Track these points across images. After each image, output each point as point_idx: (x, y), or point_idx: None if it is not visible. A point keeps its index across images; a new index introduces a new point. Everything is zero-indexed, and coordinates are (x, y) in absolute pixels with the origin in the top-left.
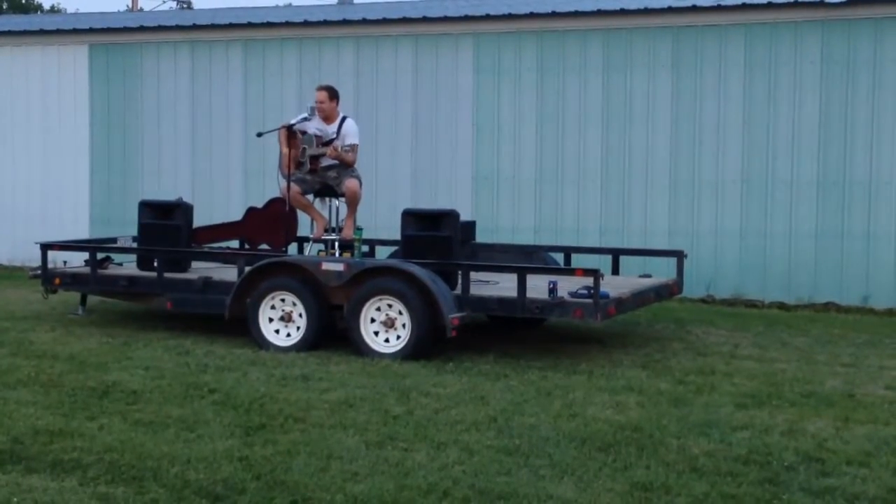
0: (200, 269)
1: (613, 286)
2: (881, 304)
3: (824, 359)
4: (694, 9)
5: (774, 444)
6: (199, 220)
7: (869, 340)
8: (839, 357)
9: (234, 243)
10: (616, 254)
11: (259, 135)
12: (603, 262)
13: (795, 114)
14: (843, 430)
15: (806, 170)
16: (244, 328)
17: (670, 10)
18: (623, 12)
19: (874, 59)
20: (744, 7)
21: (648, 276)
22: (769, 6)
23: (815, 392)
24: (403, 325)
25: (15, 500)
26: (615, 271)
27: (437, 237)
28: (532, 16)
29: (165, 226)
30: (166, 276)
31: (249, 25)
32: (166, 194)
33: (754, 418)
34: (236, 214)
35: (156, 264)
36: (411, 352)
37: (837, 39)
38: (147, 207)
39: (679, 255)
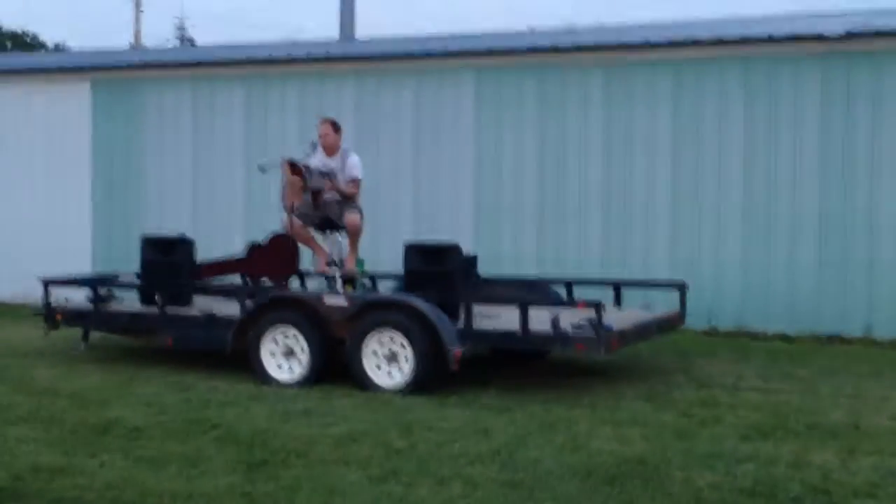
0: (202, 304)
1: (616, 318)
2: (884, 334)
3: (828, 390)
4: (694, 43)
5: (780, 476)
6: (201, 255)
7: (872, 371)
8: (843, 388)
9: (237, 278)
10: (618, 285)
11: (261, 168)
12: (605, 294)
13: (796, 145)
14: (848, 462)
15: (807, 200)
16: (246, 363)
17: (671, 45)
18: (623, 46)
19: (873, 92)
20: (743, 41)
21: (649, 307)
22: (769, 40)
23: (819, 423)
24: (406, 359)
25: None
26: (617, 302)
27: (439, 271)
28: (533, 51)
29: (167, 261)
30: (168, 313)
31: (251, 62)
32: (168, 230)
33: (759, 450)
34: (238, 249)
35: (158, 299)
36: (414, 385)
37: (837, 73)
38: (149, 243)
39: (681, 287)
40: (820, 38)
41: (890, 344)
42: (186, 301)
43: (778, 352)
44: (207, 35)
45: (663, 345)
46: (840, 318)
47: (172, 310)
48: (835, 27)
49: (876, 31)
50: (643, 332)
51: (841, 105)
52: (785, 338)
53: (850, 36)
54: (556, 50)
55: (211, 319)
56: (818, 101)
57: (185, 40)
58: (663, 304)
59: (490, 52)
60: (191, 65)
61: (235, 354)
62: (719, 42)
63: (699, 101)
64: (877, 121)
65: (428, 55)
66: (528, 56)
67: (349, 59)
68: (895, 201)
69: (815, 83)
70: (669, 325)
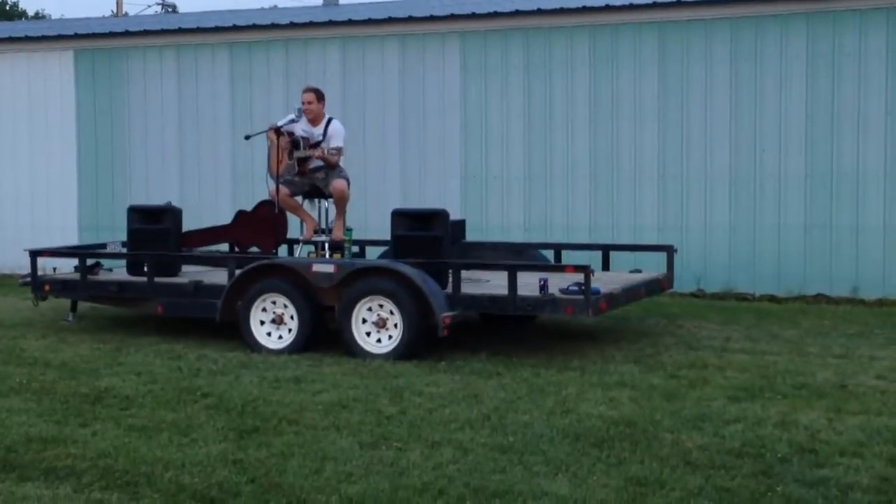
0: (191, 273)
1: (604, 282)
2: (870, 294)
3: (815, 350)
4: (679, 3)
5: (767, 437)
6: (187, 224)
7: (859, 331)
8: (830, 348)
9: (224, 247)
10: (606, 250)
11: (247, 137)
12: (593, 259)
13: (783, 106)
14: (835, 421)
15: (793, 162)
16: (235, 331)
17: (655, 6)
18: (608, 8)
19: (859, 51)
20: (729, 1)
21: (639, 271)
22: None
23: (807, 384)
24: (395, 325)
25: None
26: (605, 267)
27: (427, 237)
28: (518, 13)
29: (154, 230)
30: (156, 281)
31: (235, 28)
32: (155, 199)
33: (747, 411)
34: (225, 217)
35: (146, 269)
36: (403, 352)
37: (822, 32)
38: (136, 213)
39: (669, 250)
40: None
41: (877, 303)
42: (174, 270)
43: (766, 313)
44: (190, 3)
45: (651, 308)
46: (828, 279)
47: (161, 279)
48: None
49: None
50: (631, 294)
51: (826, 65)
52: (773, 299)
53: None
54: (540, 12)
55: (199, 288)
56: (804, 61)
57: (167, 7)
58: (651, 267)
59: (474, 16)
60: (174, 32)
61: (225, 323)
62: (705, 2)
63: (685, 62)
64: (863, 80)
65: (412, 19)
66: (513, 19)
67: (333, 24)
68: (881, 161)
69: (801, 43)
70: (658, 287)
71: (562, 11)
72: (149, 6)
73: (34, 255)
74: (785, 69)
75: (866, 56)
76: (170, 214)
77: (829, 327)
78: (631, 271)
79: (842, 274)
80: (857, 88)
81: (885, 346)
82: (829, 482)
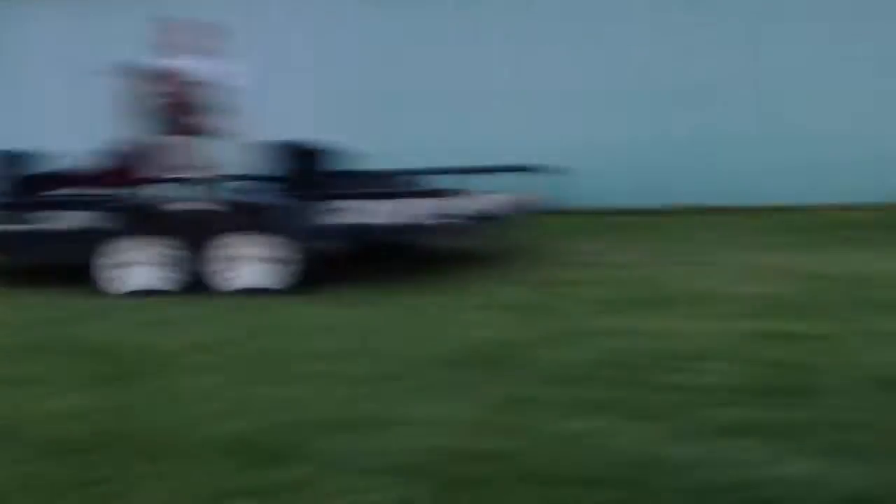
0: (52, 217)
1: (473, 205)
2: (734, 201)
3: (679, 259)
4: None
5: (635, 347)
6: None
7: (721, 238)
8: (693, 256)
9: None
10: (471, 172)
11: (100, 74)
12: (461, 183)
13: (633, 20)
14: (700, 328)
15: (651, 76)
16: (97, 275)
17: None
18: None
19: None
20: None
21: (509, 192)
22: None
23: (673, 293)
24: (270, 261)
25: None
26: (472, 189)
27: (296, 169)
28: None
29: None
30: (10, 229)
31: None
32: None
33: (615, 323)
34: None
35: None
36: (279, 287)
37: None
38: None
39: (535, 170)
40: None
41: (741, 210)
42: (33, 215)
43: (635, 226)
44: None
45: (523, 228)
46: (693, 188)
47: (16, 225)
48: None
49: None
50: (503, 216)
51: None
52: (642, 211)
53: None
54: None
55: (60, 233)
56: None
57: None
58: (519, 188)
59: None
60: None
61: (88, 267)
62: None
63: None
64: None
65: None
66: None
67: None
68: (738, 71)
69: None
70: (528, 208)
71: None
72: None
73: None
74: None
75: None
76: (19, 158)
77: (693, 236)
78: (502, 193)
79: (708, 183)
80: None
81: (754, 251)
82: (686, 386)
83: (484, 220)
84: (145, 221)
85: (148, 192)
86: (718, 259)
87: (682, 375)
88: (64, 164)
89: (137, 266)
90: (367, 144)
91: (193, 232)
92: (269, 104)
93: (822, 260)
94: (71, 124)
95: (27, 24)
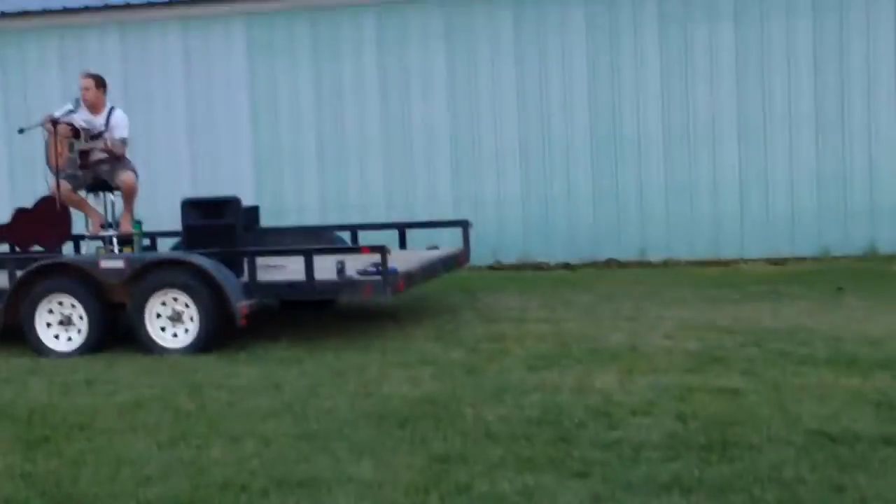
0: None
1: (401, 261)
2: (657, 256)
3: (608, 314)
4: None
5: (565, 403)
6: None
7: (647, 293)
8: (621, 311)
9: (3, 248)
10: (402, 228)
11: (21, 131)
12: (390, 238)
13: (565, 74)
14: (627, 383)
15: (578, 129)
16: (21, 336)
17: None
18: None
19: (634, 22)
20: None
21: (436, 247)
22: None
23: (600, 348)
24: (191, 318)
25: None
26: (402, 245)
27: (219, 225)
28: None
29: None
30: None
31: (3, 16)
32: None
33: (545, 379)
34: (2, 216)
35: None
36: (202, 345)
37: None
38: None
39: (464, 225)
40: None
41: (662, 263)
42: None
43: (561, 281)
44: None
45: (450, 283)
46: (616, 243)
47: None
48: None
49: None
50: (429, 271)
51: (603, 32)
52: (567, 266)
53: None
54: None
55: None
56: (583, 29)
57: None
58: (448, 243)
59: None
60: None
61: (8, 328)
62: None
63: (472, 38)
64: (639, 49)
65: (194, 0)
66: None
67: (109, 7)
68: (660, 124)
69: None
70: (455, 263)
71: None
72: None
73: None
74: (567, 39)
75: (641, 26)
76: None
77: (619, 291)
78: (428, 248)
79: (629, 238)
80: (634, 54)
81: (670, 306)
82: (623, 442)
83: (409, 275)
84: (66, 280)
85: (68, 249)
86: (643, 313)
87: (619, 431)
88: None
89: (60, 326)
90: (302, 198)
91: (113, 290)
92: (196, 160)
93: (740, 314)
94: None
95: None
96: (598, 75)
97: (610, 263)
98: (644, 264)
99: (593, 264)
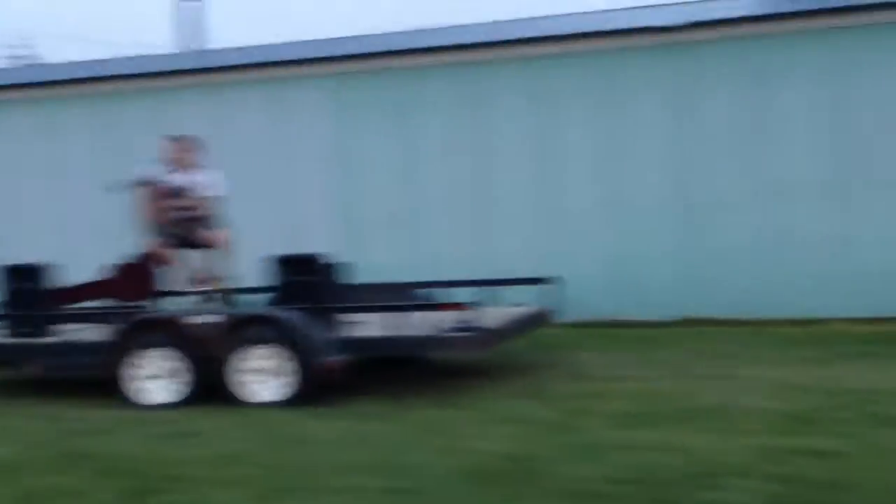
0: (69, 331)
1: (490, 318)
2: (746, 314)
3: (698, 373)
4: (546, 39)
5: (658, 463)
6: (62, 281)
7: (737, 351)
8: (711, 370)
9: (99, 303)
10: (489, 285)
11: (110, 189)
12: (476, 295)
13: (648, 134)
14: (721, 443)
15: (664, 190)
16: (119, 388)
17: (519, 41)
18: (476, 46)
19: (721, 75)
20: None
21: (522, 305)
22: (612, 32)
23: (691, 407)
24: (282, 373)
25: None
26: (490, 303)
27: (309, 281)
28: (388, 54)
29: (28, 289)
30: (34, 341)
31: (95, 79)
32: (21, 257)
33: (633, 438)
34: (91, 273)
35: (22, 329)
36: (293, 399)
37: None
38: (10, 272)
39: (549, 282)
40: (663, 29)
41: (755, 322)
42: (51, 329)
43: (648, 339)
44: (55, 53)
45: (536, 340)
46: (705, 300)
47: (38, 339)
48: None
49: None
50: (517, 328)
51: (685, 92)
52: (653, 324)
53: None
54: (411, 52)
55: (79, 346)
56: (660, 88)
57: (21, 57)
58: (533, 300)
59: (347, 58)
60: (37, 86)
61: (107, 380)
62: (571, 35)
63: (552, 99)
64: (715, 104)
65: (280, 63)
66: (383, 59)
67: (201, 71)
68: (748, 185)
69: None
70: (540, 320)
71: (431, 50)
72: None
73: None
74: (643, 104)
75: (728, 78)
76: (41, 271)
77: (708, 349)
78: (514, 305)
79: (718, 295)
80: (720, 110)
81: (762, 365)
82: None
83: (496, 332)
84: (162, 334)
85: (163, 305)
86: (734, 372)
87: (718, 493)
88: (76, 277)
89: (156, 379)
90: (376, 257)
91: (207, 344)
92: (281, 217)
93: (833, 374)
94: (81, 236)
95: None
96: (683, 133)
97: (700, 322)
98: (732, 322)
99: (681, 322)
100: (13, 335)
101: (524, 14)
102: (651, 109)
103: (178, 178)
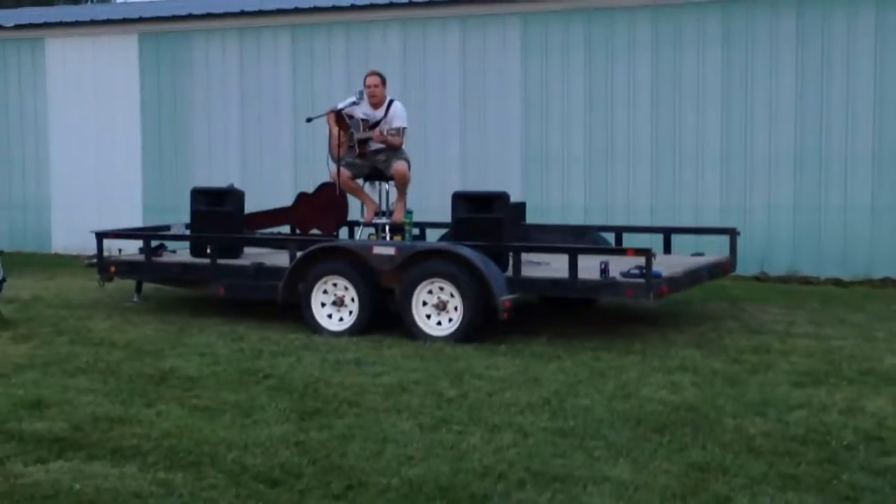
0: (253, 255)
1: (666, 265)
2: None
3: (883, 335)
4: None
5: (833, 423)
6: (249, 207)
7: None
8: None
9: (286, 229)
10: (668, 232)
11: (308, 120)
12: (655, 242)
13: (849, 85)
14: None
15: (860, 142)
16: (297, 313)
17: None
18: None
19: None
20: None
21: (701, 254)
22: None
23: (873, 369)
24: (455, 308)
25: (77, 486)
26: (667, 250)
27: (487, 219)
28: None
29: (218, 213)
30: (219, 263)
31: (296, 11)
32: (218, 182)
33: (812, 397)
34: (286, 200)
35: (208, 251)
36: (464, 334)
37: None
38: (199, 195)
39: (732, 233)
40: None
41: None
42: (237, 252)
43: (831, 297)
44: None
45: (714, 292)
46: (894, 261)
47: (223, 261)
48: None
49: None
50: (693, 278)
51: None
52: (838, 283)
53: None
54: None
55: (261, 270)
56: (872, 35)
57: None
58: (714, 250)
59: None
60: (236, 15)
61: (286, 305)
62: None
63: (749, 42)
64: None
65: (473, 0)
66: (568, 0)
67: (394, 6)
68: None
69: (870, 19)
70: (720, 271)
71: None
72: None
73: (100, 236)
74: (845, 47)
75: None
76: (233, 197)
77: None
78: (693, 254)
79: None
80: None
81: None
82: None
83: (674, 280)
84: (341, 263)
85: (343, 234)
86: None
87: (893, 458)
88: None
89: (333, 306)
90: (567, 198)
91: (386, 275)
92: (467, 156)
93: None
94: (278, 164)
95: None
96: (886, 85)
97: (886, 282)
98: None
99: (868, 282)
100: (198, 256)
101: None
102: (856, 59)
103: (366, 112)
